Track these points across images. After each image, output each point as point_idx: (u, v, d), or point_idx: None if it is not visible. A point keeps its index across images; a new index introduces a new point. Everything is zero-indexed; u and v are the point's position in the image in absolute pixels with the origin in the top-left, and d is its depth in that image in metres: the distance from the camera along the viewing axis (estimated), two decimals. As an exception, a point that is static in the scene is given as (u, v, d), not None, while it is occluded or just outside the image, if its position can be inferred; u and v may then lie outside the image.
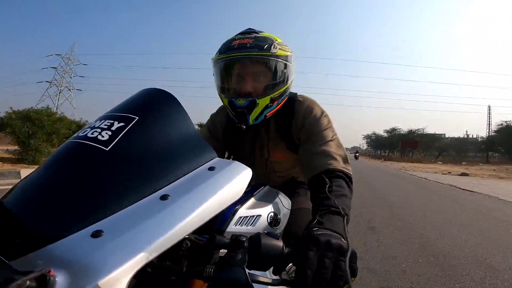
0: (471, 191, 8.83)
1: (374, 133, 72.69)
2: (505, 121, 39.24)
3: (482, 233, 4.05)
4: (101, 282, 0.35)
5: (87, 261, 0.37)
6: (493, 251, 3.30)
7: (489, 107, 59.71)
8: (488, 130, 55.15)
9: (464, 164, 31.70)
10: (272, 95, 0.97)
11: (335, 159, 0.92)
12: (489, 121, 57.53)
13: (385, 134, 64.78)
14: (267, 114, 1.01)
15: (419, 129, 54.04)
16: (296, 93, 1.12)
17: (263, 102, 0.97)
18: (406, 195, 7.51)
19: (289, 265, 0.56)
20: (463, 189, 9.21)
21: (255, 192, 0.90)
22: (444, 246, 3.40)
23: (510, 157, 37.27)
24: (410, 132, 55.57)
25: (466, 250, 3.28)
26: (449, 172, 17.83)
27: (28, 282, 0.31)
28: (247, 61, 0.95)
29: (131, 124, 0.56)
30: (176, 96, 0.65)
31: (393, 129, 61.38)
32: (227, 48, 0.96)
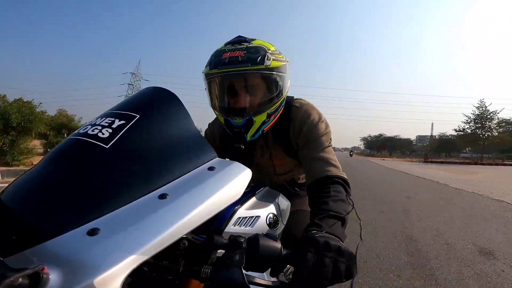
0: (377, 163, 27.29)
1: (370, 136, 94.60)
2: (442, 133, 62.26)
3: (368, 169, 17.43)
4: (95, 280, 0.34)
5: (81, 259, 0.37)
6: (368, 171, 15.64)
7: (432, 123, 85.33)
8: (430, 139, 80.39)
9: (408, 158, 50.31)
10: (268, 111, 0.93)
11: (333, 165, 0.92)
12: (432, 133, 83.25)
13: (376, 138, 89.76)
14: (264, 129, 0.98)
15: (396, 135, 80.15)
16: (293, 97, 1.09)
17: (259, 119, 0.93)
18: (355, 163, 25.68)
19: (287, 266, 0.55)
20: (376, 163, 27.16)
21: (255, 193, 0.89)
22: (357, 173, 13.33)
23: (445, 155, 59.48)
24: (389, 138, 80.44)
25: (361, 173, 14.03)
26: (383, 159, 38.97)
27: (20, 279, 0.31)
28: (240, 76, 0.89)
29: (131, 122, 0.55)
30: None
31: (380, 135, 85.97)
32: (218, 62, 0.89)
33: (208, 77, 0.93)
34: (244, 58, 0.87)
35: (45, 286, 0.33)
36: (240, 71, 0.87)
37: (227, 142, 1.10)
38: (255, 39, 0.95)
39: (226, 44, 0.94)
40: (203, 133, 1.22)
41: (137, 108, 0.60)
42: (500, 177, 12.56)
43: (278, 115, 1.00)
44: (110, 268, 0.36)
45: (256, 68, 0.87)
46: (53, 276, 0.35)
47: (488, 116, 33.54)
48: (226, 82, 0.92)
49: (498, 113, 33.29)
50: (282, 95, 0.96)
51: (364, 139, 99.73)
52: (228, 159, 1.22)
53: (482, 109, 33.74)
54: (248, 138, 0.96)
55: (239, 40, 0.93)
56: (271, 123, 0.99)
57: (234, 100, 0.93)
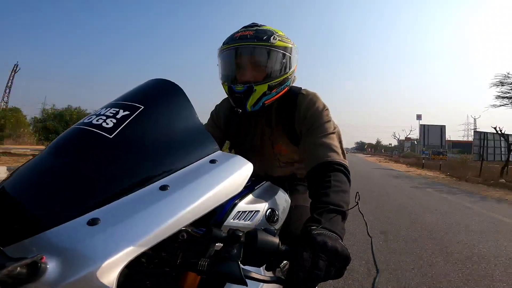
0: (352, 155, 63.27)
1: (360, 140, 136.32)
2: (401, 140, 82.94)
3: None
4: (92, 270, 0.35)
5: (80, 249, 0.37)
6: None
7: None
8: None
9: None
10: (270, 83, 0.99)
11: (335, 151, 0.91)
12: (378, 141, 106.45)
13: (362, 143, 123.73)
14: (265, 102, 1.02)
15: (370, 142, 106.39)
16: (301, 88, 1.12)
17: (260, 89, 0.98)
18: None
19: (284, 262, 0.55)
20: (353, 155, 66.06)
21: (255, 188, 0.89)
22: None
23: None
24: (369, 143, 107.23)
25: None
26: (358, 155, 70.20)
27: (18, 269, 0.31)
28: (246, 50, 0.99)
29: (136, 113, 0.55)
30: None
31: (364, 142, 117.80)
32: (230, 39, 1.01)
33: (221, 51, 1.03)
34: (252, 36, 0.97)
35: (43, 275, 0.34)
36: (247, 45, 0.97)
37: (232, 122, 1.18)
38: (266, 25, 1.04)
39: (240, 28, 1.05)
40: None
41: (141, 99, 0.60)
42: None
43: (282, 92, 1.05)
44: (107, 259, 0.36)
45: (261, 44, 0.97)
46: (51, 266, 0.35)
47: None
48: (235, 55, 1.01)
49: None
50: (286, 72, 1.03)
51: (356, 142, 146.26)
52: (230, 147, 1.23)
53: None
54: (248, 108, 1.01)
55: (252, 24, 1.05)
56: (273, 98, 1.03)
57: (241, 72, 1.01)
